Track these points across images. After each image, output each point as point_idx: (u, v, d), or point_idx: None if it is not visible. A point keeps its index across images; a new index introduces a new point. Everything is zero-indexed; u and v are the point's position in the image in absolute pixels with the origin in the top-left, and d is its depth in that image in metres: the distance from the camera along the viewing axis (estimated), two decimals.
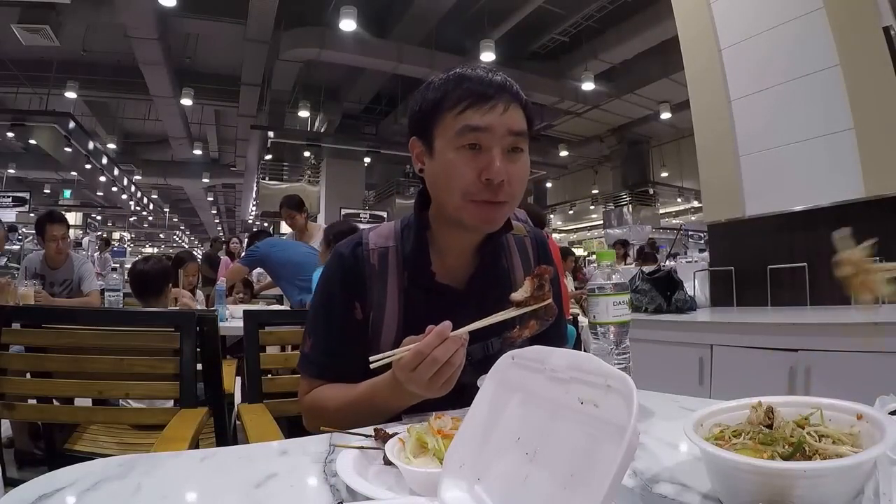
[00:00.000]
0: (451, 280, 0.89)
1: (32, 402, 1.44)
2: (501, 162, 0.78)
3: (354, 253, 0.89)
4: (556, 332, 0.93)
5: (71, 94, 8.99)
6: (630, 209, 12.98)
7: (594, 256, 1.84)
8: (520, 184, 0.82)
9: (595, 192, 15.35)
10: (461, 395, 0.72)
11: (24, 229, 10.66)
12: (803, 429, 0.49)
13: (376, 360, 0.71)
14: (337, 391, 0.87)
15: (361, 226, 2.17)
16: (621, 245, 7.84)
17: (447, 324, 0.69)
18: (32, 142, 10.12)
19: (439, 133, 0.81)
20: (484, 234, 0.88)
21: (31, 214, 11.50)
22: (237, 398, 2.24)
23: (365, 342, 0.88)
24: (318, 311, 0.91)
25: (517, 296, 0.74)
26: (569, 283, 5.06)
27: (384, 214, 11.35)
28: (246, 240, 6.20)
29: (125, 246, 15.17)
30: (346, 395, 0.84)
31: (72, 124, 9.45)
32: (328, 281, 0.91)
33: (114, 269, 7.95)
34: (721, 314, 2.43)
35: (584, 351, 0.76)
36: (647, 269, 2.74)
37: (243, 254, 3.88)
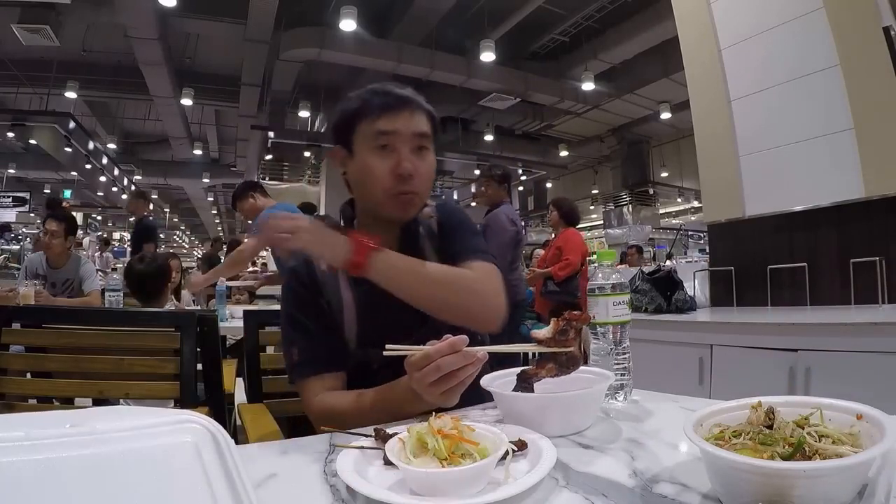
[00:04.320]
0: None
1: (32, 402, 1.44)
2: (409, 158, 0.91)
3: (306, 262, 0.99)
4: None
5: (71, 94, 8.96)
6: (630, 209, 12.96)
7: (594, 256, 1.84)
8: (427, 178, 0.95)
9: (595, 192, 15.32)
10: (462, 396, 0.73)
11: (23, 229, 10.67)
12: (803, 429, 0.49)
13: (391, 350, 0.72)
14: (348, 396, 0.89)
15: None
16: (637, 251, 7.85)
17: (463, 337, 0.69)
18: (32, 142, 10.10)
19: (358, 139, 0.94)
20: (401, 224, 0.99)
21: (31, 214, 11.51)
22: (237, 398, 2.24)
23: (341, 331, 0.95)
24: (291, 318, 0.97)
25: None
26: None
27: None
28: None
29: (125, 246, 15.15)
30: (360, 401, 0.85)
31: (72, 124, 9.42)
32: (292, 291, 0.99)
33: (114, 270, 7.94)
34: (721, 314, 2.43)
35: (585, 352, 0.76)
36: (646, 269, 2.75)
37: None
